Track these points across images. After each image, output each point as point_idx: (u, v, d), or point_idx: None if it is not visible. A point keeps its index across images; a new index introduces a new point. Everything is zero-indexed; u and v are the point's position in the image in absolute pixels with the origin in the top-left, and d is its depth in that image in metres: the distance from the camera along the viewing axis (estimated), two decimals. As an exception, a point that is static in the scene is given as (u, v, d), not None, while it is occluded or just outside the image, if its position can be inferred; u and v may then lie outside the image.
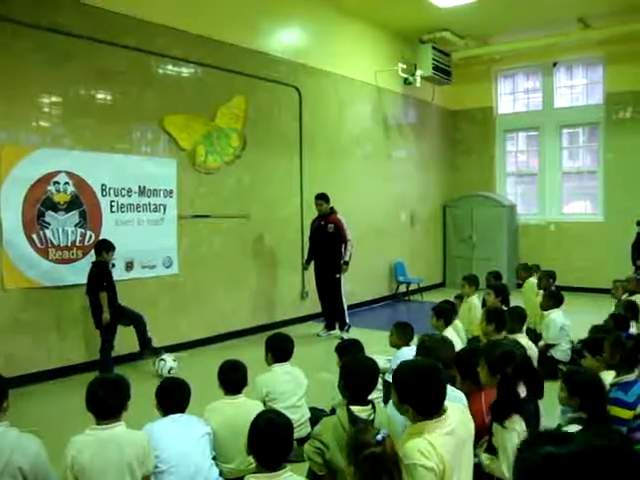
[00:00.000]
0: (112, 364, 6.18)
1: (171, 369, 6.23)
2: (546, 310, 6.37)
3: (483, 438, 3.20)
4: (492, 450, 3.10)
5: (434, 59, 11.32)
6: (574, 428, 3.18)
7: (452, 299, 7.11)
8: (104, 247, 6.18)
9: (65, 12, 6.26)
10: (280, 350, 4.44)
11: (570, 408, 3.41)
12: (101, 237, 6.55)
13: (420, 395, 2.52)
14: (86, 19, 6.42)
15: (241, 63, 8.17)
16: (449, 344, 3.87)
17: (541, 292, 7.23)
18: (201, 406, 3.78)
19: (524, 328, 5.64)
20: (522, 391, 3.31)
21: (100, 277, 6.08)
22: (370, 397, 3.26)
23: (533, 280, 7.92)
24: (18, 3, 5.92)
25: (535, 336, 6.44)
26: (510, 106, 13.40)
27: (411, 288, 11.88)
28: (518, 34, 11.47)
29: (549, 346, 6.18)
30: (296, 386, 4.37)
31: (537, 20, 10.68)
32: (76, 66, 6.41)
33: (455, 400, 3.14)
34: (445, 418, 2.52)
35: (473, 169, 13.52)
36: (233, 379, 3.79)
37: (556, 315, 6.24)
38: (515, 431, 3.01)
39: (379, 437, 2.31)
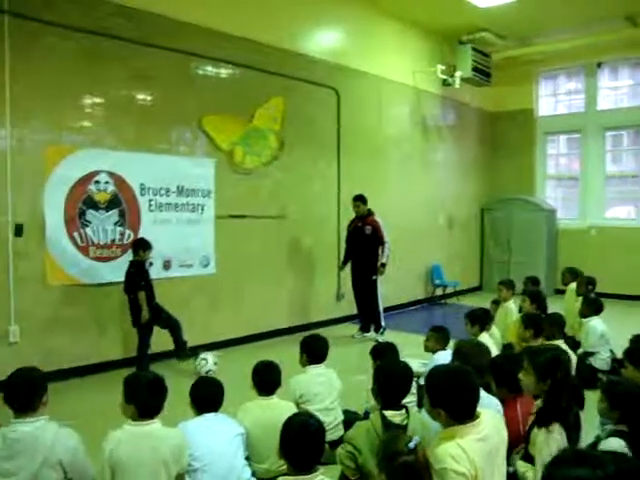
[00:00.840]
0: (148, 362, 6.26)
1: (209, 371, 6.26)
2: (585, 317, 6.24)
3: (519, 446, 3.14)
4: (528, 459, 3.04)
5: (473, 60, 11.18)
6: (614, 442, 3.11)
7: (489, 303, 7.04)
8: (141, 246, 6.26)
9: (107, 15, 6.36)
10: (315, 352, 4.42)
11: (610, 420, 3.33)
12: (139, 236, 6.64)
13: (452, 399, 2.50)
14: (127, 21, 6.53)
15: (279, 64, 8.20)
16: (485, 350, 3.82)
17: (580, 298, 7.09)
18: (235, 406, 3.80)
19: (562, 335, 5.54)
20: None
21: (137, 276, 6.16)
22: (404, 401, 3.24)
23: (574, 286, 7.77)
24: (64, 8, 6.04)
25: (573, 343, 6.31)
26: (551, 108, 13.16)
27: (447, 291, 11.79)
28: (561, 34, 11.25)
29: (588, 354, 6.05)
30: (330, 388, 4.35)
31: (581, 19, 10.47)
32: (117, 67, 6.52)
33: (490, 406, 3.09)
34: (478, 423, 2.49)
35: (512, 172, 13.31)
36: (267, 380, 3.81)
37: (596, 322, 6.11)
38: (556, 440, 2.94)
39: (411, 445, 2.29)
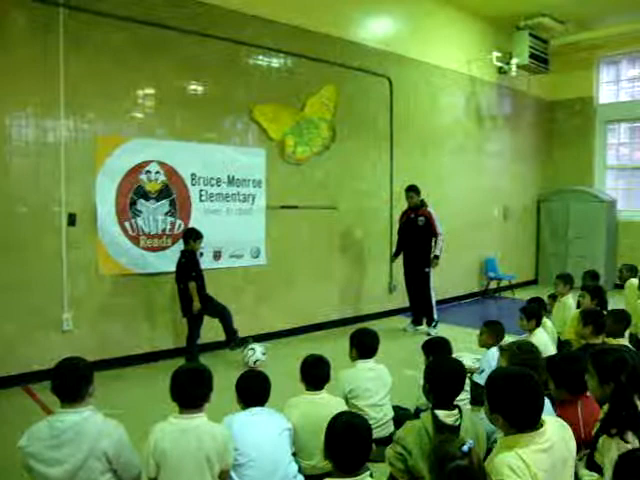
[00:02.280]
0: (197, 352, 6.27)
1: (257, 360, 6.24)
2: None
3: (581, 452, 2.96)
4: (593, 467, 2.84)
5: (531, 46, 10.79)
6: None
7: (545, 298, 6.79)
8: (191, 235, 6.25)
9: (157, 5, 6.36)
10: (365, 346, 4.30)
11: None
12: (190, 226, 6.65)
13: (512, 405, 2.34)
14: (177, 11, 6.52)
15: (331, 53, 8.08)
16: (537, 353, 3.56)
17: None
18: (283, 399, 3.74)
19: (626, 333, 5.28)
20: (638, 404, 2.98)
21: (188, 266, 6.15)
22: (457, 398, 3.11)
23: (635, 281, 7.42)
24: (115, -1, 6.08)
25: (637, 342, 6.02)
26: (612, 95, 12.67)
27: (502, 284, 11.52)
28: (623, 17, 10.76)
29: None
30: (380, 384, 4.24)
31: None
32: (168, 58, 6.52)
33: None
34: (542, 433, 2.31)
35: (570, 162, 12.89)
36: (315, 374, 3.72)
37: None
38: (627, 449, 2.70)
39: (465, 448, 2.13)
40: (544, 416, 2.39)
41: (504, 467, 2.21)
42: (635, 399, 2.79)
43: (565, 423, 2.43)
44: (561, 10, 10.45)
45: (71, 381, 2.85)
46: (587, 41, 11.83)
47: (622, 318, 5.13)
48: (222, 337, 6.56)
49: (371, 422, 4.02)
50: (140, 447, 2.93)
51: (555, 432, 2.37)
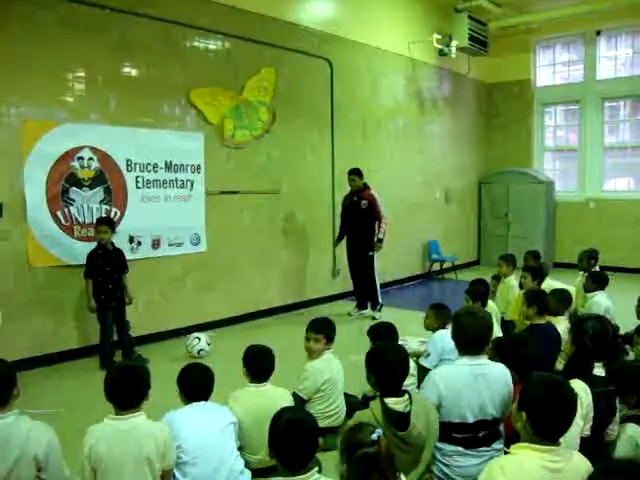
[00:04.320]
0: (112, 351, 5.98)
1: (201, 350, 6.09)
2: (590, 292, 6.03)
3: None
4: None
5: (470, 29, 10.82)
6: (632, 428, 2.94)
7: (488, 279, 6.83)
8: (97, 224, 5.94)
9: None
10: (333, 334, 4.21)
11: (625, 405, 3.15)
12: (127, 214, 6.40)
13: (547, 410, 2.24)
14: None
15: (270, 34, 7.89)
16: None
17: (581, 273, 6.90)
18: (228, 391, 3.61)
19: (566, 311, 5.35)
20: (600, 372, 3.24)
21: (87, 259, 5.83)
22: (405, 383, 3.05)
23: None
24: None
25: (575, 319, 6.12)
26: (549, 78, 12.86)
27: (445, 266, 11.62)
28: (558, 1, 10.94)
29: None
30: (338, 371, 4.20)
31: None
32: (100, 38, 6.21)
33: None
34: (556, 453, 2.20)
35: (510, 144, 13.06)
36: (259, 367, 3.59)
37: (600, 297, 5.90)
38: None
39: (374, 436, 2.12)
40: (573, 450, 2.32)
41: (496, 466, 2.18)
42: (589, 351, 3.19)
43: (589, 464, 2.28)
44: (498, -8, 10.54)
45: None
46: (524, 24, 11.97)
47: (563, 298, 5.21)
48: (164, 328, 6.37)
49: (326, 411, 3.99)
50: (76, 449, 2.76)
51: (573, 460, 2.24)
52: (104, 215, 6.24)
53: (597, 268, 7.04)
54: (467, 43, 10.82)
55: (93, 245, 5.98)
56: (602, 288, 5.97)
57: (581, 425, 2.96)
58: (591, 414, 3.03)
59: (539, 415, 2.23)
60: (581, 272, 6.97)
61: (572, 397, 2.30)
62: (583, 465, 2.24)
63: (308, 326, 4.20)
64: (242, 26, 7.53)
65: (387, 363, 3.01)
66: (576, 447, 2.86)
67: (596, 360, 3.30)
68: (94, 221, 6.14)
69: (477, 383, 3.06)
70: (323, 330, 4.15)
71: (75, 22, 6.00)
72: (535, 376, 2.41)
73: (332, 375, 4.07)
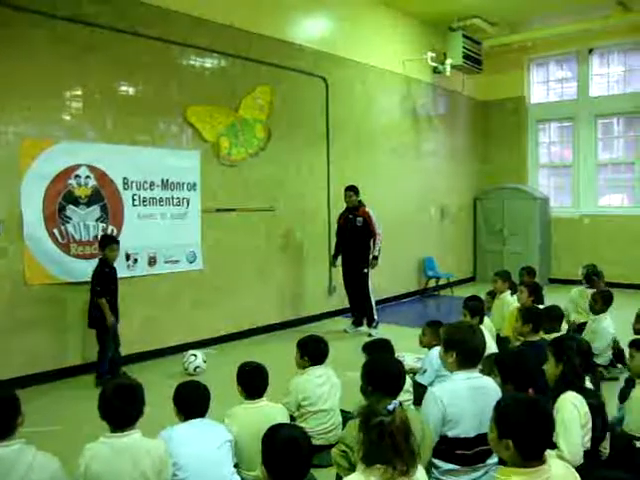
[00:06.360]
0: (112, 369, 5.99)
1: (197, 367, 6.08)
2: (597, 313, 5.97)
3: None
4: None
5: (464, 47, 10.96)
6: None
7: (483, 295, 6.86)
8: (102, 242, 5.96)
9: (85, 2, 6.11)
10: (317, 353, 4.20)
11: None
12: (123, 232, 6.42)
13: (526, 430, 2.23)
14: (107, 9, 6.27)
15: (266, 53, 7.96)
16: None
17: (579, 289, 6.93)
18: (224, 408, 3.61)
19: (562, 328, 5.37)
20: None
21: (98, 279, 5.84)
22: (400, 399, 3.06)
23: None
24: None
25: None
26: (543, 95, 13.00)
27: (441, 283, 11.63)
28: (552, 20, 11.07)
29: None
30: (331, 387, 4.17)
31: (572, 4, 10.25)
32: (97, 57, 6.26)
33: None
34: (542, 471, 2.20)
35: (504, 161, 13.14)
36: (252, 385, 3.59)
37: (607, 323, 5.83)
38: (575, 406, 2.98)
39: (390, 407, 2.17)
40: (552, 459, 2.32)
41: None
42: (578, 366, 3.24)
43: (572, 468, 2.33)
44: (491, 12, 10.70)
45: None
46: (517, 43, 12.10)
47: (556, 316, 5.23)
48: (160, 345, 6.36)
49: (321, 428, 3.99)
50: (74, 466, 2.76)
51: (559, 472, 2.27)
52: (101, 233, 6.26)
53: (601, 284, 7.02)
54: (462, 61, 10.94)
55: (90, 263, 6.01)
56: (608, 308, 5.96)
57: (582, 434, 2.99)
58: (589, 424, 3.06)
59: (525, 439, 2.22)
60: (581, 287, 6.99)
61: (549, 411, 2.36)
62: (562, 469, 2.30)
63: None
64: (238, 45, 7.60)
65: (384, 371, 3.05)
66: (580, 459, 2.90)
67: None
68: (90, 239, 6.18)
69: (475, 396, 3.08)
70: (302, 349, 4.21)
71: (72, 41, 6.05)
72: (508, 400, 2.42)
73: (312, 392, 4.05)
